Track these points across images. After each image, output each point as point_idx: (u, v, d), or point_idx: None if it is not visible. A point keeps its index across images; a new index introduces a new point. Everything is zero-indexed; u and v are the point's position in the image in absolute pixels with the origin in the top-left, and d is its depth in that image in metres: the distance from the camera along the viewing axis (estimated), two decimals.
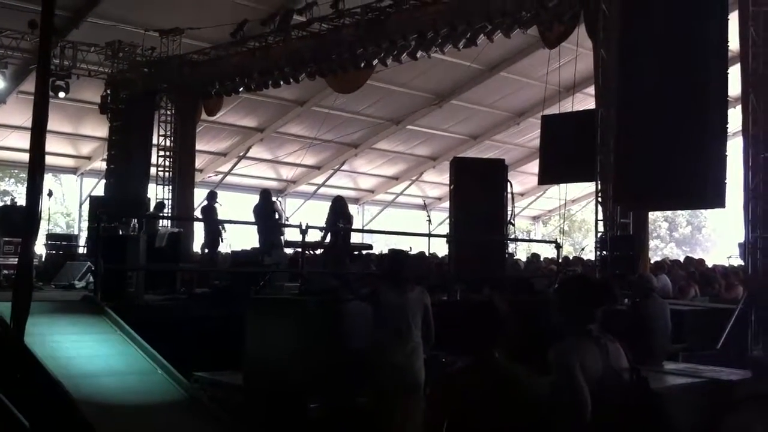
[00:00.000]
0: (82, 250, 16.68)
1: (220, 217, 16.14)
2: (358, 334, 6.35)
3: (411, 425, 5.83)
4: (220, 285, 10.76)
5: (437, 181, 27.60)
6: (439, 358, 6.61)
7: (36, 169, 5.80)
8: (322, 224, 12.74)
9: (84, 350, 6.66)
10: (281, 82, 17.05)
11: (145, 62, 18.34)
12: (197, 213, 18.86)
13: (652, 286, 8.65)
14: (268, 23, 16.18)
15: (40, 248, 15.24)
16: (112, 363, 6.63)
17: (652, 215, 31.43)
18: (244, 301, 7.66)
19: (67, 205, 30.59)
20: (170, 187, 19.15)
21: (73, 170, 24.99)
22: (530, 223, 34.42)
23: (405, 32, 14.41)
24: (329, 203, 13.68)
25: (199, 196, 19.31)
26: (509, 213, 12.84)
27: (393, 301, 6.26)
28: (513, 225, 13.50)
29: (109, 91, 18.98)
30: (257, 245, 13.80)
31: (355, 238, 15.67)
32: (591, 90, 13.70)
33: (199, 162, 22.65)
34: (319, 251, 13.51)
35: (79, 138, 23.19)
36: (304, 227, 10.11)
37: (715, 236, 43.18)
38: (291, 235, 13.77)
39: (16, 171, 28.95)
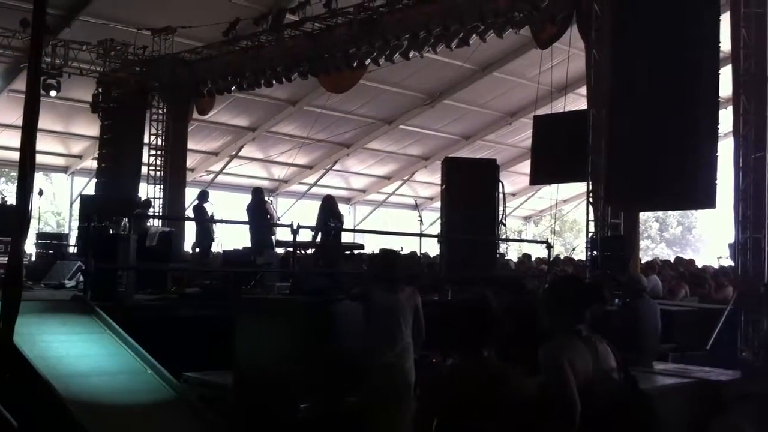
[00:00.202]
0: (72, 250, 16.61)
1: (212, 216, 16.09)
2: (349, 334, 6.35)
3: (401, 425, 5.83)
4: (210, 285, 10.73)
5: (429, 181, 27.61)
6: (430, 358, 6.62)
7: (26, 167, 5.77)
8: (314, 224, 12.72)
9: (74, 350, 6.64)
10: (273, 82, 17.02)
11: (136, 61, 18.28)
12: (188, 212, 18.82)
13: (642, 286, 8.67)
14: (261, 22, 16.13)
15: (30, 247, 15.20)
16: (102, 363, 6.61)
17: (643, 215, 31.50)
18: (234, 300, 7.65)
19: (57, 204, 30.49)
20: (161, 186, 19.10)
21: (63, 169, 24.91)
22: (522, 223, 34.47)
23: (398, 32, 14.41)
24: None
25: (191, 195, 19.27)
26: (501, 213, 12.84)
27: (384, 301, 6.26)
28: (504, 225, 13.49)
29: (100, 90, 18.91)
30: (249, 244, 13.78)
31: (347, 237, 15.62)
32: (583, 90, 13.71)
33: (191, 161, 22.60)
34: (310, 251, 13.50)
35: (70, 137, 23.13)
36: (295, 227, 10.10)
37: (705, 237, 43.31)
38: (282, 234, 13.77)
39: (6, 170, 28.83)
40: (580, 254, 16.74)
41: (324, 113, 21.72)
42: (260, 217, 13.97)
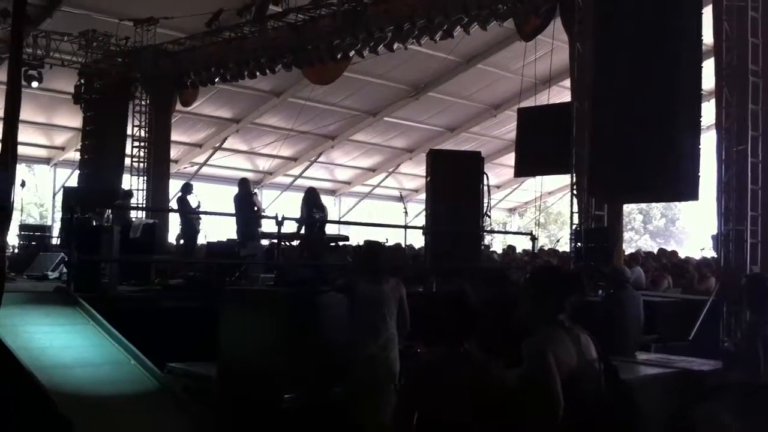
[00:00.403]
0: (55, 241, 16.54)
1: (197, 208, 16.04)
2: (334, 325, 6.36)
3: (386, 416, 5.85)
4: (194, 276, 10.71)
5: (414, 173, 27.64)
6: (414, 349, 6.64)
7: (9, 159, 5.74)
8: (298, 217, 12.73)
9: (57, 341, 6.61)
10: (257, 73, 16.97)
11: (119, 52, 18.17)
12: (172, 204, 18.75)
13: (625, 277, 8.72)
14: (244, 13, 16.07)
15: (12, 239, 15.11)
16: (85, 354, 6.58)
17: (627, 207, 31.60)
18: (218, 292, 7.63)
19: (40, 196, 30.32)
20: (145, 178, 19.01)
21: (46, 160, 24.76)
22: (506, 215, 34.57)
23: (382, 24, 14.40)
24: None
25: (174, 187, 19.18)
26: (485, 205, 12.86)
27: (368, 292, 6.28)
28: (489, 217, 13.53)
29: (82, 81, 18.79)
30: (233, 236, 13.76)
31: (332, 229, 15.65)
32: (567, 83, 13.76)
33: (174, 153, 22.49)
34: (295, 242, 13.50)
35: (53, 128, 22.97)
36: (280, 218, 10.09)
37: (689, 229, 43.59)
38: (267, 226, 13.76)
39: None
40: (564, 246, 16.82)
41: (308, 105, 21.67)
42: (246, 208, 13.95)
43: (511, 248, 20.18)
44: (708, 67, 10.72)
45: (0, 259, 6.04)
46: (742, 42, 10.76)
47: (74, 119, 20.80)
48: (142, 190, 18.89)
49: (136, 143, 19.08)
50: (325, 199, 21.17)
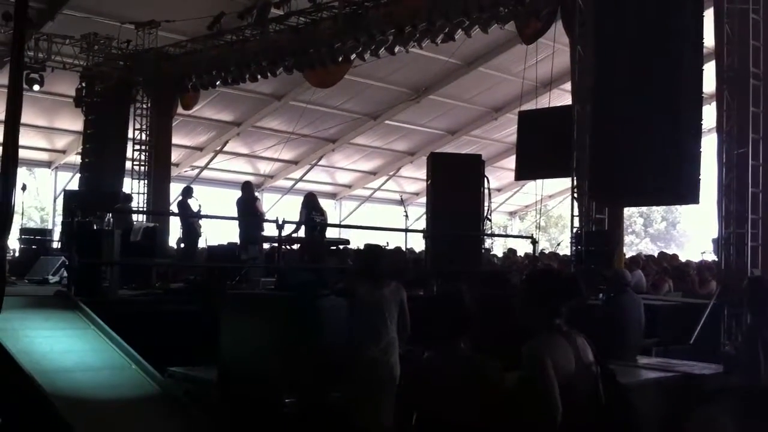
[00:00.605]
0: (56, 245, 16.51)
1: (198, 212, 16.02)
2: (334, 329, 6.35)
3: (386, 420, 5.84)
4: (195, 280, 10.70)
5: (415, 177, 27.64)
6: (415, 352, 6.63)
7: (9, 162, 5.72)
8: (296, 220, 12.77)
9: (57, 345, 6.60)
10: (258, 76, 16.97)
11: (120, 55, 18.17)
12: (173, 208, 18.74)
13: (626, 281, 8.72)
14: (246, 16, 16.07)
15: (13, 243, 15.09)
16: (86, 358, 6.57)
17: (628, 211, 31.57)
18: (219, 296, 7.63)
19: (41, 199, 30.32)
20: (146, 181, 19.00)
21: (47, 164, 24.75)
22: (507, 219, 34.56)
23: (383, 26, 14.39)
24: None
25: (175, 190, 19.17)
26: (486, 208, 12.86)
27: (369, 296, 6.27)
28: (490, 220, 13.53)
29: (84, 84, 18.79)
30: (234, 239, 13.75)
31: (332, 233, 15.65)
32: (568, 86, 13.78)
33: (175, 156, 22.50)
34: (296, 246, 13.50)
35: (54, 131, 22.99)
36: (280, 222, 10.09)
37: (689, 232, 43.57)
38: (268, 229, 13.77)
39: None
40: (565, 249, 16.81)
41: (309, 108, 21.66)
42: (249, 213, 13.94)
43: (511, 251, 20.17)
44: (709, 70, 10.72)
45: (0, 263, 6.04)
46: (743, 44, 10.75)
47: (75, 122, 20.81)
48: (143, 193, 18.88)
49: (137, 146, 19.06)
50: (326, 203, 21.18)
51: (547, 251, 20.71)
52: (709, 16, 10.64)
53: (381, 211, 31.00)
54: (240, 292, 8.74)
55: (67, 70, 18.21)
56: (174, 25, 17.02)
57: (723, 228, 10.74)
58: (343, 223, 26.76)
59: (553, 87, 16.46)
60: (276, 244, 11.85)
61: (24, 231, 16.45)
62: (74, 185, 20.73)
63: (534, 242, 12.93)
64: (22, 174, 22.32)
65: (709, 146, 10.97)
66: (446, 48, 15.82)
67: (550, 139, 12.93)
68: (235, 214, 14.23)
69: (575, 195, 11.96)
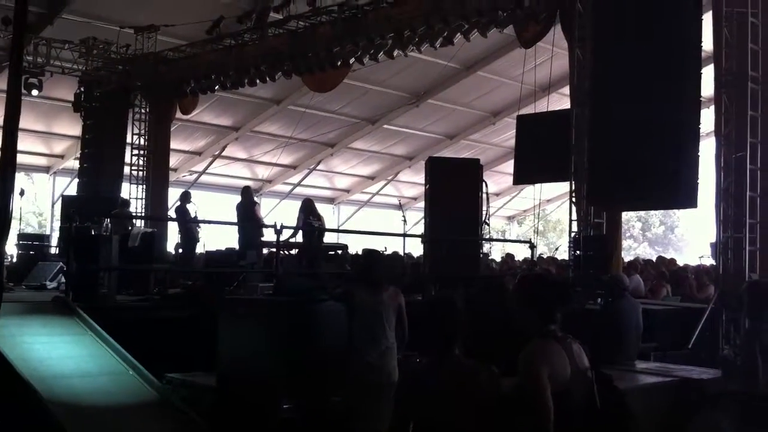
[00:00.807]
0: (54, 250, 16.50)
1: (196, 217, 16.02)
2: (332, 334, 6.34)
3: (384, 426, 5.83)
4: (193, 285, 10.69)
5: (413, 181, 27.63)
6: (413, 358, 6.62)
7: (7, 167, 5.72)
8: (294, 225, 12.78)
9: (55, 352, 6.60)
10: (257, 81, 16.96)
11: (119, 60, 18.16)
12: (171, 213, 18.72)
13: (624, 286, 8.70)
14: (245, 21, 16.08)
15: (11, 248, 15.07)
16: (84, 364, 6.57)
17: (626, 215, 31.56)
18: (217, 301, 7.62)
19: (39, 205, 30.29)
20: (144, 186, 18.98)
21: (45, 169, 24.70)
22: (505, 223, 34.55)
23: (382, 31, 14.39)
24: None
25: (174, 195, 19.16)
26: (484, 213, 12.86)
27: (367, 301, 6.26)
28: (488, 225, 13.53)
29: (82, 89, 18.77)
30: (232, 245, 13.75)
31: (330, 238, 15.60)
32: (566, 90, 13.76)
33: (174, 161, 22.46)
34: (294, 251, 13.49)
35: (52, 136, 22.94)
36: (278, 227, 10.08)
37: (687, 236, 43.57)
38: (267, 235, 13.74)
39: None
40: (563, 254, 16.80)
41: (308, 113, 21.67)
42: (248, 218, 13.94)
43: (509, 256, 20.17)
44: (707, 74, 10.75)
45: None
46: (741, 48, 10.76)
47: (74, 127, 20.78)
48: (141, 198, 18.85)
49: (136, 151, 19.03)
50: (324, 207, 21.14)
51: (545, 256, 20.69)
52: (707, 20, 10.67)
53: (379, 215, 31.01)
54: (238, 298, 8.73)
55: (65, 75, 18.19)
56: (173, 29, 17.04)
57: (721, 232, 10.74)
58: (341, 228, 26.78)
59: (551, 91, 16.40)
60: (274, 249, 11.84)
61: (22, 236, 16.44)
62: (72, 190, 20.73)
63: (532, 247, 12.91)
64: (20, 179, 22.29)
65: (707, 150, 10.98)
66: (445, 52, 15.84)
67: (548, 144, 12.95)
68: (234, 219, 14.22)
69: (573, 199, 11.95)
